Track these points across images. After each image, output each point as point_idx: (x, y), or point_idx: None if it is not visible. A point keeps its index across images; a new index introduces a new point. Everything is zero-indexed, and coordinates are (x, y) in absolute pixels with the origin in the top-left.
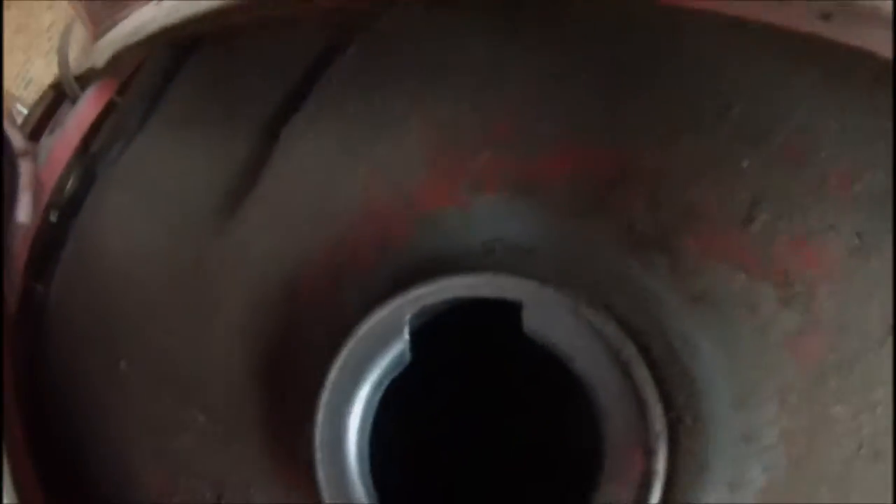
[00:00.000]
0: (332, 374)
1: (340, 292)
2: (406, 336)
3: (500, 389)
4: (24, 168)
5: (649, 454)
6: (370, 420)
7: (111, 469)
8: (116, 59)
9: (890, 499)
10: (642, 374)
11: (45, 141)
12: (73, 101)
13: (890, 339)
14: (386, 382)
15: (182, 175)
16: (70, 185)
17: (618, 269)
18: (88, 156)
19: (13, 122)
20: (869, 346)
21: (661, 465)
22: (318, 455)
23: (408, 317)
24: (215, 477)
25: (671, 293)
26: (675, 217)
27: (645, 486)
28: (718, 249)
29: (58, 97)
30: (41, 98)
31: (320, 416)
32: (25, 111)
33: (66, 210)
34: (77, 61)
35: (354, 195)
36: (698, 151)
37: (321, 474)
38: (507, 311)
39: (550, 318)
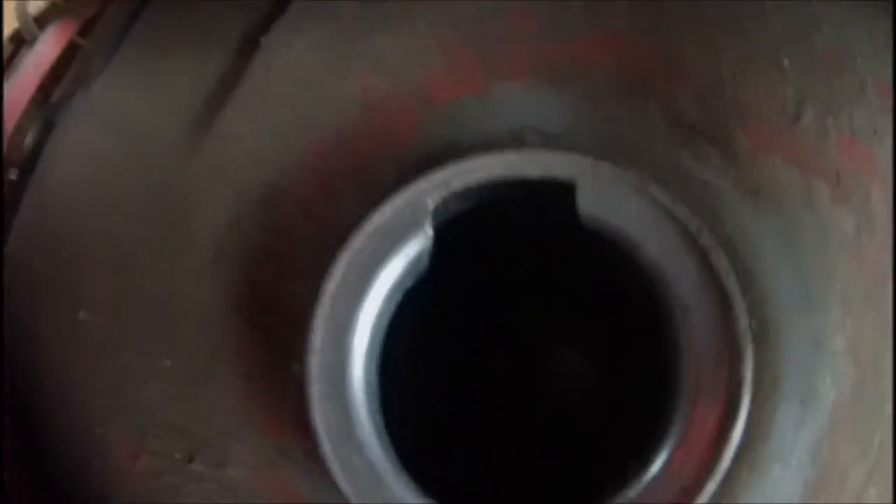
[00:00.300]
0: (332, 282)
1: (333, 198)
2: (430, 230)
3: (541, 309)
4: None
5: (736, 358)
6: (379, 344)
7: (73, 436)
8: None
9: None
10: (723, 263)
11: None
12: (32, 44)
13: None
14: (399, 295)
15: (151, 100)
16: (29, 138)
17: (668, 158)
18: (49, 105)
19: None
20: None
21: (749, 371)
22: (314, 389)
23: (432, 205)
24: (185, 431)
25: (727, 184)
26: (722, 111)
27: (734, 398)
28: (770, 143)
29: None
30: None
31: (317, 338)
32: None
33: (26, 166)
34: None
35: (350, 91)
36: (739, 49)
37: (318, 413)
38: (551, 204)
39: (610, 198)
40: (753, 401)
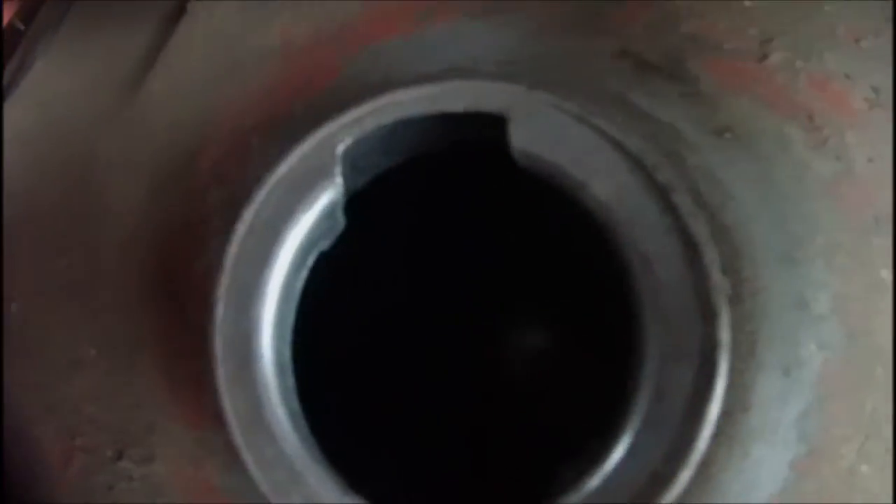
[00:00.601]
0: (234, 246)
1: (247, 158)
2: (339, 178)
3: (491, 274)
4: None
5: (710, 316)
6: (292, 315)
7: (13, 440)
8: None
9: None
10: (687, 203)
11: None
12: None
13: None
14: (313, 256)
15: (81, 79)
16: None
17: (618, 94)
18: None
19: None
20: None
21: (725, 332)
22: (221, 371)
23: (341, 149)
24: (114, 425)
25: (689, 124)
26: (680, 45)
27: (708, 363)
28: (737, 80)
29: None
30: None
31: (219, 313)
32: None
33: None
34: None
35: (269, 42)
36: None
37: (225, 398)
38: (484, 147)
39: (549, 131)
40: (731, 370)
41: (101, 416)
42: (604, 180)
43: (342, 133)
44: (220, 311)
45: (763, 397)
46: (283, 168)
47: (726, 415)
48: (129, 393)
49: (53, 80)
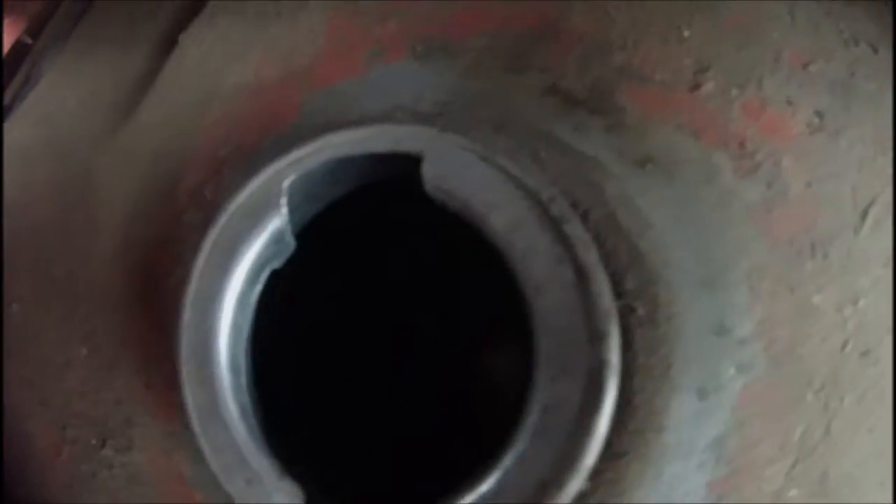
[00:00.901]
0: (199, 262)
1: (220, 184)
2: (284, 208)
3: (409, 284)
4: None
5: (597, 339)
6: (247, 324)
7: (11, 439)
8: None
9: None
10: (579, 233)
11: None
12: None
13: (866, 225)
14: (265, 273)
15: (80, 100)
16: None
17: (542, 130)
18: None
19: None
20: (844, 229)
21: (613, 353)
22: (184, 369)
23: (285, 183)
24: (99, 418)
25: (611, 156)
26: (609, 77)
27: (595, 383)
28: (663, 110)
29: None
30: None
31: (185, 318)
32: None
33: None
34: None
35: (244, 79)
36: (632, 17)
37: (187, 392)
38: (407, 181)
39: (456, 168)
40: (640, 392)
41: (87, 410)
42: (502, 213)
43: (288, 170)
44: (186, 316)
45: (678, 419)
46: (240, 197)
47: (638, 434)
48: (111, 389)
49: (56, 97)
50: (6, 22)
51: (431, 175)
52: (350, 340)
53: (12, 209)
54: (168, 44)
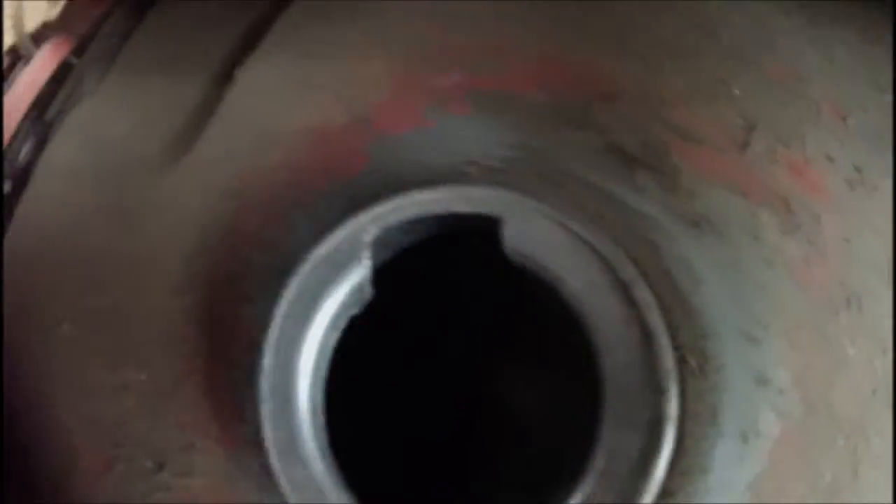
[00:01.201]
0: (281, 308)
1: (288, 225)
2: (367, 261)
3: (479, 335)
4: None
5: (659, 393)
6: (325, 367)
7: (50, 444)
8: (70, 12)
9: None
10: (646, 297)
11: None
12: (28, 61)
13: None
14: (343, 322)
15: (132, 126)
16: (23, 153)
17: (603, 189)
18: (43, 122)
19: None
20: (877, 283)
21: (673, 407)
22: (265, 408)
23: (369, 238)
24: (155, 443)
25: (666, 215)
26: (664, 138)
27: (655, 433)
28: (715, 171)
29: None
30: None
31: (267, 360)
32: None
33: (19, 181)
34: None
35: (308, 123)
36: (686, 75)
37: (267, 430)
38: (484, 239)
39: (535, 233)
40: (690, 436)
41: (142, 432)
42: (577, 278)
43: (371, 225)
44: (267, 359)
45: (721, 461)
46: (321, 250)
47: (685, 475)
48: (171, 414)
49: (104, 120)
50: (53, 42)
51: (511, 239)
52: (374, 364)
53: (60, 228)
54: (223, 77)
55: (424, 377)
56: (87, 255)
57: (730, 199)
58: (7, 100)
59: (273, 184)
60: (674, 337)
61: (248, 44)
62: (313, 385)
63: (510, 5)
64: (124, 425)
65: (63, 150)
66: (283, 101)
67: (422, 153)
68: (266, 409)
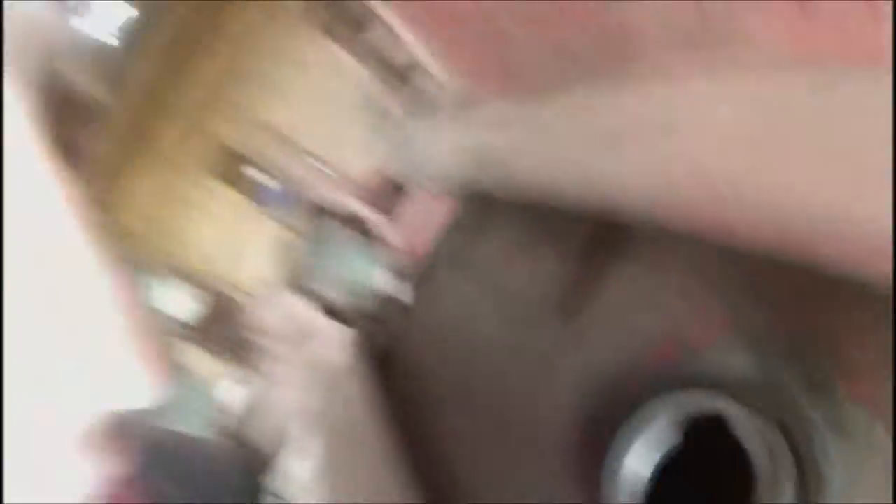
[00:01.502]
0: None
1: (634, 389)
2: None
3: None
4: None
5: None
6: None
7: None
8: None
9: None
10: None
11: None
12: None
13: None
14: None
15: (521, 282)
16: (423, 268)
17: (794, 404)
18: (436, 253)
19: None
20: None
21: None
22: None
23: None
24: None
25: (826, 425)
26: (835, 373)
27: None
28: (859, 396)
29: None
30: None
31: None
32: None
33: (417, 284)
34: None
35: (652, 334)
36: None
37: None
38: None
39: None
40: None
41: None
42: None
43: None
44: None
45: None
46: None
47: None
48: (554, 489)
49: (502, 268)
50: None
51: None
52: None
53: (452, 349)
54: (594, 266)
55: None
56: (490, 367)
57: (863, 415)
58: (419, 225)
59: (637, 358)
60: None
61: (614, 247)
62: None
63: None
64: (524, 494)
65: (460, 283)
66: (636, 306)
67: (705, 364)
68: None
